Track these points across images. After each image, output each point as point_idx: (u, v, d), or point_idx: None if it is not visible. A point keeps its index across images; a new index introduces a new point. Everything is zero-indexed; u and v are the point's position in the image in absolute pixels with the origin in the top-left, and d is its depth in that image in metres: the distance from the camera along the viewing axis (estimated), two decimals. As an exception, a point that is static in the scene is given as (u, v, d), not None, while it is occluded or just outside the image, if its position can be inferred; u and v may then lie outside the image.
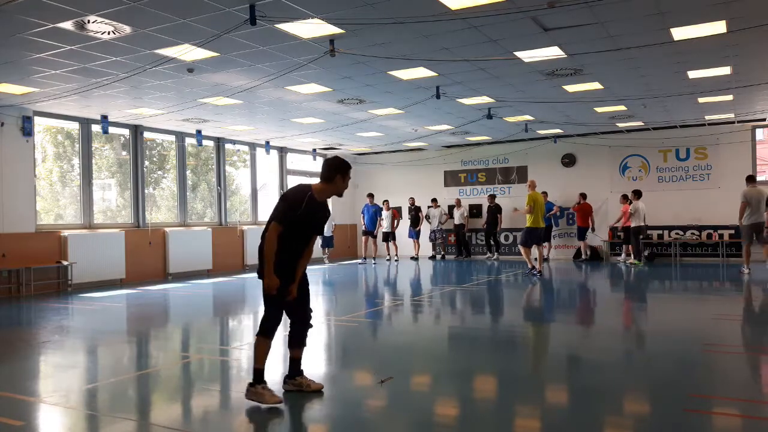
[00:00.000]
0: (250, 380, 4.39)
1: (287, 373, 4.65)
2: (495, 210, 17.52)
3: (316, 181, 4.47)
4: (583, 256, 16.56)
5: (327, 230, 17.75)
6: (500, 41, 8.00)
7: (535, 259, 12.89)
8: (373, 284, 12.96)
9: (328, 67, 9.10)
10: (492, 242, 17.84)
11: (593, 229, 16.34)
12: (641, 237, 15.01)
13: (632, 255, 15.12)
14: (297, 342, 4.60)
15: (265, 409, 4.23)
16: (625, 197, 15.43)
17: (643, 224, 14.79)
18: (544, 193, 15.62)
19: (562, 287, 11.81)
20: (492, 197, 17.78)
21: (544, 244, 14.66)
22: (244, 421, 4.13)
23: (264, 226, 4.36)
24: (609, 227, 16.45)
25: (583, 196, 16.27)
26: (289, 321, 4.61)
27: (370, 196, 17.86)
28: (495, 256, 17.75)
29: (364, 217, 17.70)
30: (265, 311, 4.45)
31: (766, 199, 11.96)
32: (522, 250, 12.98)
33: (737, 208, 12.23)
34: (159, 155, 15.40)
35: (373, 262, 17.65)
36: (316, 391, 4.55)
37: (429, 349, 6.47)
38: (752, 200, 11.92)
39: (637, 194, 14.85)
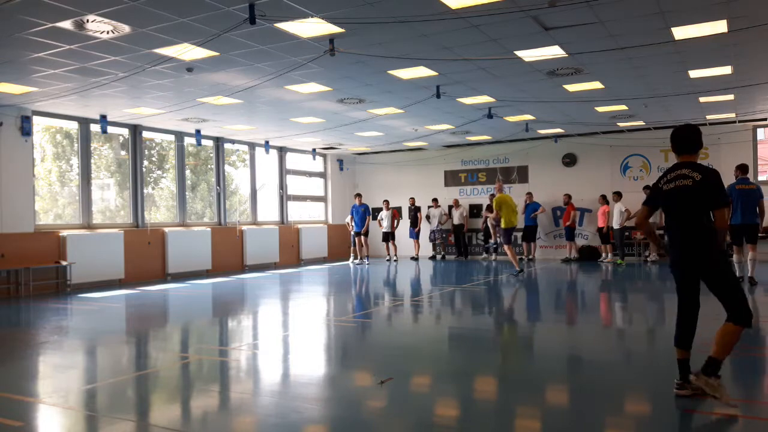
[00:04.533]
0: (697, 370, 4.14)
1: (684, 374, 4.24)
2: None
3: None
4: (569, 256, 16.58)
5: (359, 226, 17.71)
6: (501, 40, 7.98)
7: (521, 259, 12.86)
8: (373, 285, 12.93)
9: (328, 67, 9.07)
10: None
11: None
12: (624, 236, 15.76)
13: (610, 254, 15.92)
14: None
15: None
16: (603, 197, 15.77)
17: (617, 226, 15.33)
18: (529, 194, 16.93)
19: (561, 288, 11.81)
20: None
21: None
22: (243, 422, 4.11)
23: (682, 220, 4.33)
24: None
25: (569, 196, 16.44)
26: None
27: (358, 195, 17.81)
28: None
29: (353, 217, 17.66)
30: (739, 294, 4.16)
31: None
32: (506, 249, 12.81)
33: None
34: (158, 155, 15.37)
35: (356, 262, 17.47)
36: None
37: (429, 349, 6.45)
38: None
39: (618, 195, 15.40)
